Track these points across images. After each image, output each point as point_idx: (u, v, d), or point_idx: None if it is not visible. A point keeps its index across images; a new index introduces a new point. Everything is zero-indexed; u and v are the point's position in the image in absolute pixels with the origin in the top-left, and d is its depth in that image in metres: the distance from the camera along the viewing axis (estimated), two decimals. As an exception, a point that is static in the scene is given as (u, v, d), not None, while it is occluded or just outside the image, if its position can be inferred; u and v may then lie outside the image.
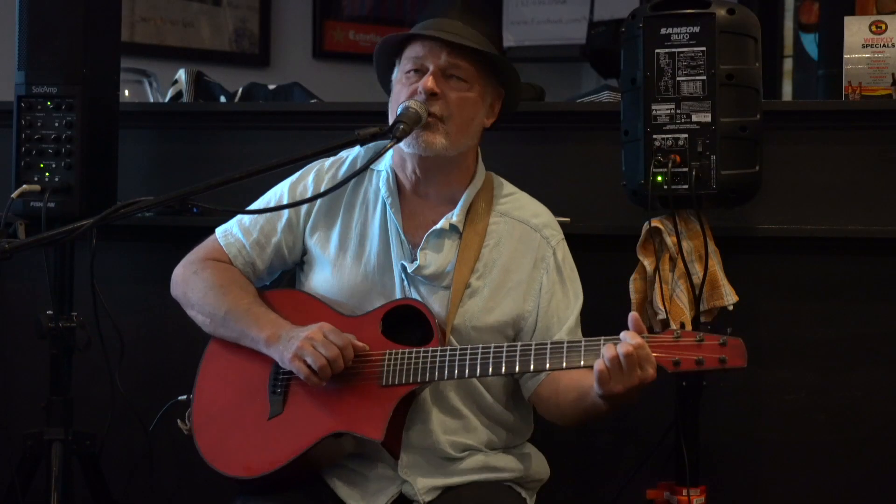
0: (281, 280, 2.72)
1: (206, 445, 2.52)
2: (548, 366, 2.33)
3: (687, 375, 2.68)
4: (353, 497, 2.49)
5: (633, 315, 2.28)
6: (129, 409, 2.99)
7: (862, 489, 3.00)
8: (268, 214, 2.62)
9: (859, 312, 2.99)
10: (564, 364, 2.31)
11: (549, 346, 2.34)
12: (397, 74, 2.56)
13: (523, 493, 2.58)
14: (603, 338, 2.28)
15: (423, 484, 2.47)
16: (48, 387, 3.00)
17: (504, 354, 2.36)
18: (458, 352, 2.39)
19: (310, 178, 2.63)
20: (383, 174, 2.60)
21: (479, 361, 2.37)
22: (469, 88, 2.50)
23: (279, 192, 2.66)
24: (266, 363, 2.52)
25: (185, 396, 2.61)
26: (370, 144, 2.52)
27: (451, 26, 2.49)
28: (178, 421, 2.59)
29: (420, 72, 2.49)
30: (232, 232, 2.65)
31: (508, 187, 2.67)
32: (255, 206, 2.67)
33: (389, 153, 2.57)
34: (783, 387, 3.01)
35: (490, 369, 2.37)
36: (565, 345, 2.33)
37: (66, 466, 2.94)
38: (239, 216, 2.65)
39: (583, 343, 2.31)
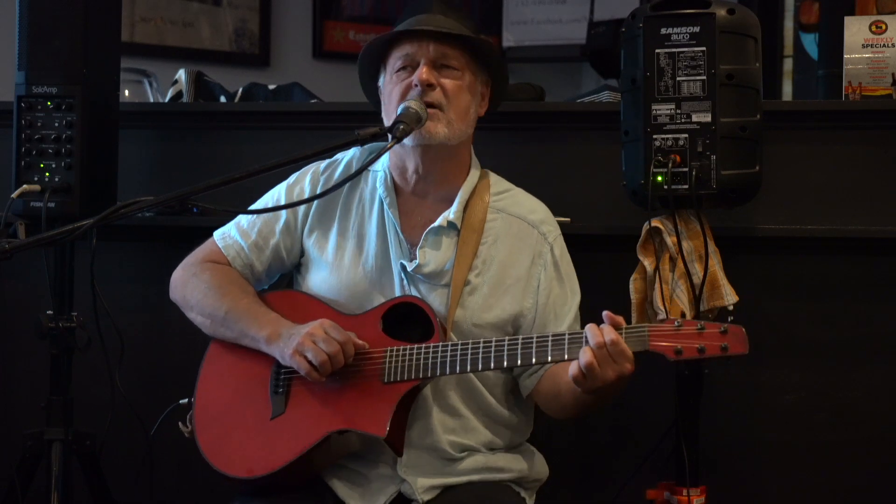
0: (280, 284, 2.71)
1: (208, 446, 2.52)
2: (549, 358, 2.34)
3: (689, 363, 2.69)
4: (353, 497, 2.49)
5: (605, 314, 2.29)
6: (129, 409, 2.99)
7: (862, 489, 3.00)
8: (265, 217, 2.63)
9: (859, 312, 2.99)
10: (564, 355, 2.33)
11: (549, 337, 2.35)
12: (386, 78, 2.58)
13: (522, 493, 2.58)
14: (587, 327, 2.29)
15: (422, 483, 2.47)
16: (48, 387, 3.00)
17: (506, 348, 2.37)
18: (459, 347, 2.39)
19: (306, 180, 2.65)
20: (380, 174, 2.60)
21: (480, 355, 2.37)
22: (461, 77, 2.54)
23: (276, 195, 2.67)
24: (267, 363, 2.52)
25: (185, 400, 2.61)
26: (366, 146, 2.55)
27: (434, 21, 2.54)
28: (180, 423, 2.58)
29: (411, 68, 2.52)
30: (230, 234, 2.65)
31: (504, 183, 2.67)
32: (252, 208, 2.67)
33: (387, 154, 2.59)
34: (783, 387, 3.01)
35: (492, 363, 2.37)
36: (566, 336, 2.33)
37: (66, 466, 2.94)
38: (236, 219, 2.66)
39: (566, 336, 2.33)
